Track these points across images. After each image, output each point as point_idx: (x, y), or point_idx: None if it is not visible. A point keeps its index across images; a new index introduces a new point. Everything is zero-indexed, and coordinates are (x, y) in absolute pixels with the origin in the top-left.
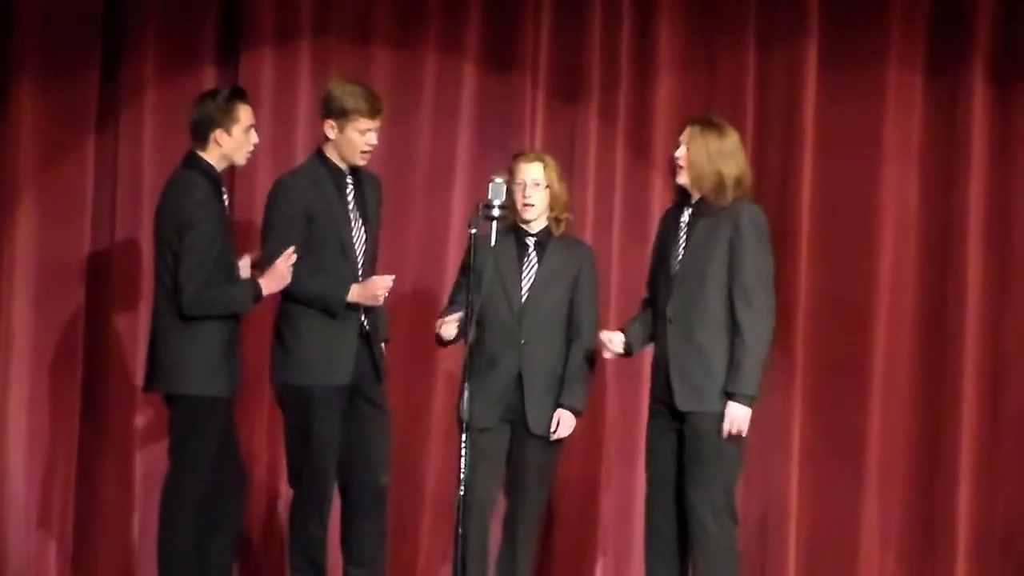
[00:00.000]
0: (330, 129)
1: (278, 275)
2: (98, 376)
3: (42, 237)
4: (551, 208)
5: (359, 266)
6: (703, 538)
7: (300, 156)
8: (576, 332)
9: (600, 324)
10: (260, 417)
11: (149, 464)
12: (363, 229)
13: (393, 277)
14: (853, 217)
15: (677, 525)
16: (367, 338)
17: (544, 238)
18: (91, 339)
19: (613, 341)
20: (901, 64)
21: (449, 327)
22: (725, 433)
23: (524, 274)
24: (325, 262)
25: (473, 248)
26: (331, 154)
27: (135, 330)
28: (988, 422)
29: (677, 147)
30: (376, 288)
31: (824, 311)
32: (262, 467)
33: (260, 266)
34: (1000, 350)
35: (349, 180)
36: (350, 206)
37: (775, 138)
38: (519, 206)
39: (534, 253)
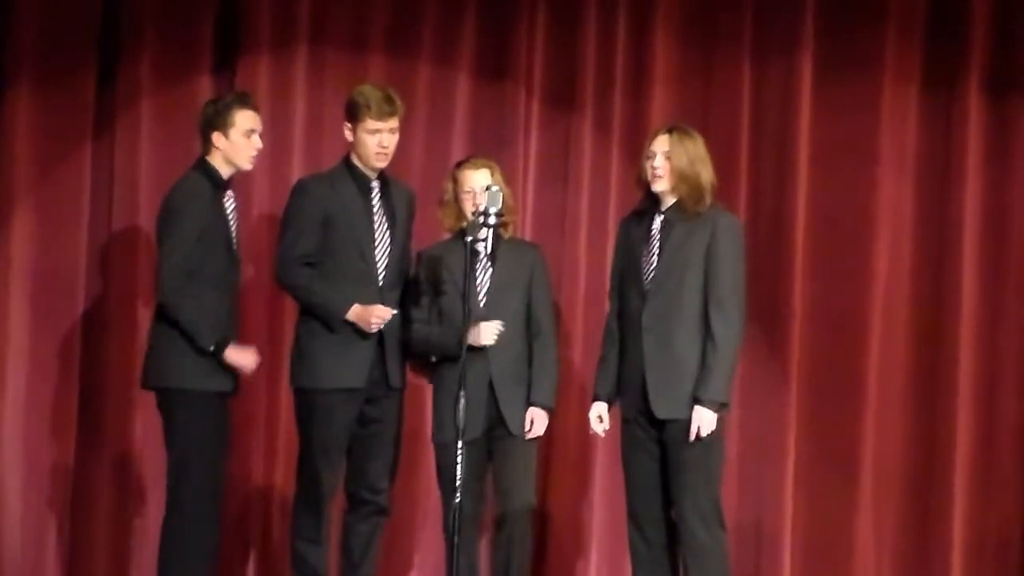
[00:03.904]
0: (348, 132)
1: (246, 357)
2: (95, 380)
3: (39, 242)
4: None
5: (380, 271)
6: (694, 547)
7: (297, 163)
8: (537, 331)
9: (561, 322)
10: (258, 415)
11: (147, 468)
12: (388, 235)
13: (395, 312)
14: (848, 229)
15: (664, 534)
16: (383, 346)
17: (494, 242)
18: (88, 343)
19: (603, 419)
20: (896, 76)
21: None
22: (692, 437)
23: (479, 281)
24: (344, 267)
25: (468, 255)
26: (355, 159)
27: (132, 334)
28: (983, 433)
29: (651, 156)
30: (371, 315)
31: (819, 322)
32: (259, 466)
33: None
34: (995, 361)
35: (375, 185)
36: (375, 211)
37: (770, 149)
38: (467, 214)
39: (486, 259)
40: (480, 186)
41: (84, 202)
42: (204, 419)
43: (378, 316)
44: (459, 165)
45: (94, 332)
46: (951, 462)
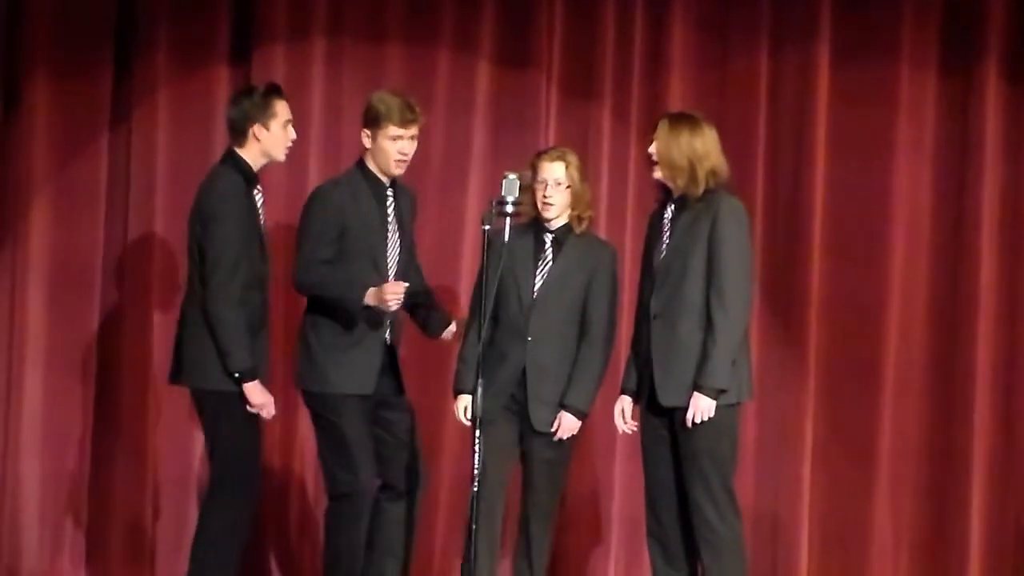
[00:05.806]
0: (366, 138)
1: (266, 400)
2: (112, 374)
3: (56, 235)
4: (572, 207)
5: (390, 278)
6: (709, 535)
7: (313, 155)
8: (586, 330)
9: (616, 325)
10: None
11: (162, 462)
12: (398, 241)
13: (406, 285)
14: (865, 217)
15: (680, 524)
16: (392, 353)
17: (563, 235)
18: (105, 337)
19: (625, 413)
20: (913, 63)
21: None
22: (688, 422)
23: (538, 270)
24: (356, 273)
25: (485, 244)
26: (371, 164)
27: (148, 327)
28: (1001, 421)
29: (650, 143)
30: (386, 293)
31: (836, 311)
32: (276, 463)
33: (295, 268)
34: (1013, 349)
35: (389, 192)
36: (389, 218)
37: (787, 138)
38: (539, 204)
39: (550, 250)
40: (553, 178)
41: (101, 193)
42: (236, 420)
43: (392, 292)
44: (538, 155)
45: (110, 325)
46: (969, 450)
